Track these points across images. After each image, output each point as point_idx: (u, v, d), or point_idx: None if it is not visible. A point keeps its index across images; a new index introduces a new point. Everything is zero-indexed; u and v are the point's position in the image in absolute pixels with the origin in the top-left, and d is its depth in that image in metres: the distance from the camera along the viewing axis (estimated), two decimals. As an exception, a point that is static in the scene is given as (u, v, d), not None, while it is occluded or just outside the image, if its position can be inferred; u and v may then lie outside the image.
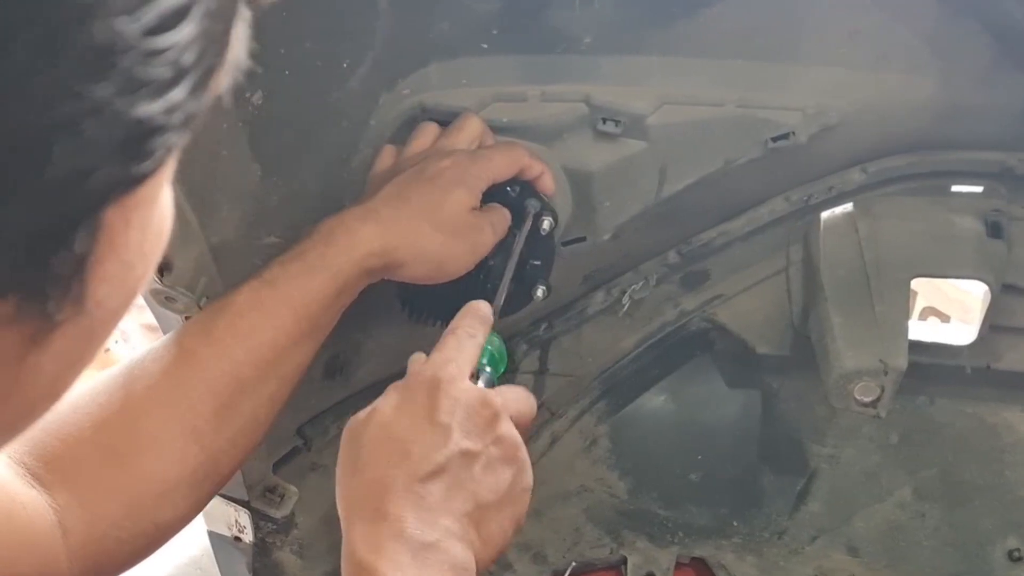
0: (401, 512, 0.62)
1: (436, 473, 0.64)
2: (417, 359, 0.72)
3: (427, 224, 0.77)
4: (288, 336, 0.72)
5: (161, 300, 0.69)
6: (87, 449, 0.66)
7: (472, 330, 0.73)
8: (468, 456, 0.66)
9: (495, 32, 0.84)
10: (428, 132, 0.85)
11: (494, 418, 0.68)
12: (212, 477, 0.71)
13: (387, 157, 0.85)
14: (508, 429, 0.69)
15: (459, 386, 0.68)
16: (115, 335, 1.45)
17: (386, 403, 0.68)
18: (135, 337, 1.51)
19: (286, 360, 0.73)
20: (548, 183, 0.87)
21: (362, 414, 0.68)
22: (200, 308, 0.72)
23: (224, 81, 0.31)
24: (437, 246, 0.78)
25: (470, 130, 0.85)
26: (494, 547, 0.67)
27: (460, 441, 0.66)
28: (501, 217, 0.84)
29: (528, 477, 0.70)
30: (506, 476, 0.68)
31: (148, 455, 0.68)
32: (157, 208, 0.33)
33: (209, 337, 0.70)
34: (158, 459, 0.68)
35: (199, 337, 0.70)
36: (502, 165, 0.83)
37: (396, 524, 0.62)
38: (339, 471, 0.67)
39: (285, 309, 0.72)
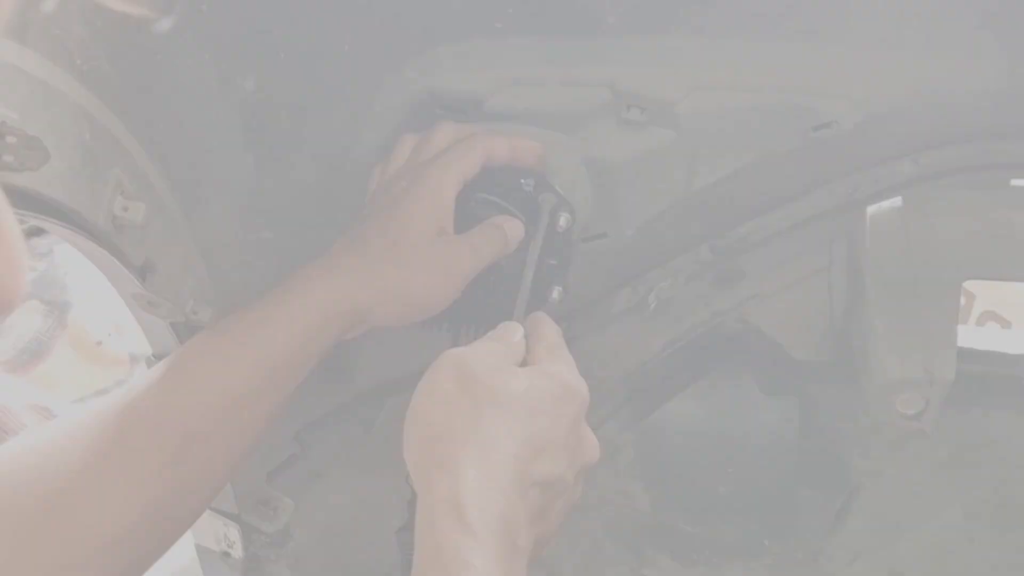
0: (509, 490, 0.63)
1: (545, 484, 0.66)
2: (514, 328, 0.73)
3: (388, 264, 0.77)
4: (244, 385, 0.72)
5: (144, 305, 0.69)
6: (23, 499, 0.66)
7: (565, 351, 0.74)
8: (567, 489, 0.68)
9: (511, 10, 0.83)
10: (404, 147, 0.84)
11: (591, 464, 0.71)
12: (157, 532, 0.72)
13: (376, 181, 0.84)
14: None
15: (586, 420, 0.70)
16: (107, 328, 1.44)
17: (523, 370, 0.68)
18: (129, 332, 1.50)
19: (243, 410, 0.73)
20: (526, 153, 0.84)
21: (491, 359, 0.67)
22: (186, 313, 0.71)
23: None
24: (402, 285, 0.77)
25: (442, 139, 0.83)
26: None
27: (571, 469, 0.68)
28: (490, 237, 0.82)
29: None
30: (566, 513, 0.70)
31: (87, 506, 0.68)
32: None
33: (157, 385, 0.70)
34: (97, 510, 0.68)
35: (147, 385, 0.71)
36: (465, 162, 0.81)
37: (501, 501, 0.62)
38: (439, 395, 0.66)
39: (239, 358, 0.72)
